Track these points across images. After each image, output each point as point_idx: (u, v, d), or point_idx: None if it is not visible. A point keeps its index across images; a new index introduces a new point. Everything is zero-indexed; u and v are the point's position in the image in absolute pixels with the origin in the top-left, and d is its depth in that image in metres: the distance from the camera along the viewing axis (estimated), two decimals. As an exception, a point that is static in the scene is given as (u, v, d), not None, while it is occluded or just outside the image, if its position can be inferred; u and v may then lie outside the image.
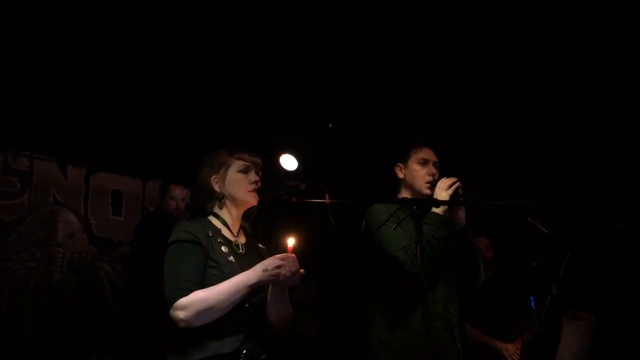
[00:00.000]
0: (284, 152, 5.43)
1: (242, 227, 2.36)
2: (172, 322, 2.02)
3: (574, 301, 2.89)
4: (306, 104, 4.88)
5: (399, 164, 2.80)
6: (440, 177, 2.58)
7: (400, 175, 2.80)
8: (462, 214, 2.58)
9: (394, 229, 2.40)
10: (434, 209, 2.52)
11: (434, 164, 2.74)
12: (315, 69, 4.48)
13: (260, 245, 2.36)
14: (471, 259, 2.62)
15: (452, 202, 2.41)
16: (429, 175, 2.69)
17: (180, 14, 3.94)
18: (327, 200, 2.09)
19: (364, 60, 4.41)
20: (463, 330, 2.58)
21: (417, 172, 2.71)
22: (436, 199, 2.42)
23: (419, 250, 2.03)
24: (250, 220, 2.39)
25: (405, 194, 2.76)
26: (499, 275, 4.08)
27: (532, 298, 2.73)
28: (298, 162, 5.47)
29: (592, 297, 3.47)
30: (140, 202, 5.29)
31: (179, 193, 4.20)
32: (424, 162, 2.72)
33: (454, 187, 2.48)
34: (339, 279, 5.13)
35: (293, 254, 2.07)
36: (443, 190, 2.48)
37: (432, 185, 2.61)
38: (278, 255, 2.07)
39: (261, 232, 5.46)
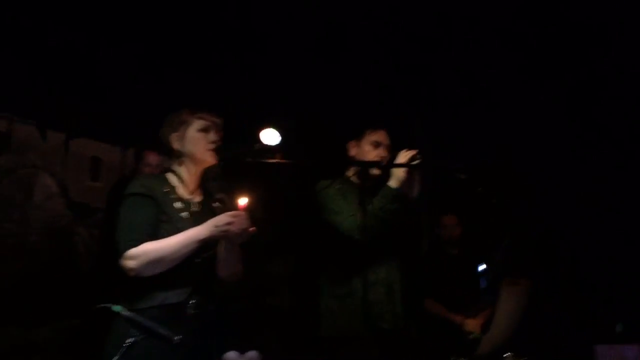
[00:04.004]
0: (267, 126, 5.46)
1: (208, 189, 2.41)
2: (123, 272, 2.08)
3: (518, 269, 2.99)
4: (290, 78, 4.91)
5: (352, 141, 2.87)
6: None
7: (352, 152, 2.86)
8: (415, 188, 2.66)
9: (338, 199, 2.50)
10: (390, 183, 2.60)
11: (386, 147, 2.81)
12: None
13: (216, 204, 2.41)
14: (415, 230, 2.72)
15: (393, 165, 2.48)
16: (379, 157, 2.76)
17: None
18: (277, 160, 2.15)
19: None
20: (405, 296, 2.67)
21: (368, 153, 2.78)
22: (378, 162, 2.51)
23: (360, 211, 2.09)
24: (212, 179, 2.43)
25: (353, 171, 2.82)
26: (465, 253, 4.15)
27: (479, 266, 2.83)
28: (281, 136, 5.50)
29: (533, 265, 3.59)
30: (120, 169, 5.32)
31: (153, 159, 4.21)
32: (377, 145, 2.80)
33: (414, 160, 2.56)
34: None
35: (244, 212, 2.13)
36: (402, 162, 2.56)
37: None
38: (229, 213, 2.13)
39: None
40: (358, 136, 2.86)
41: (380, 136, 2.83)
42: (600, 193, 4.35)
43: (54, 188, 4.91)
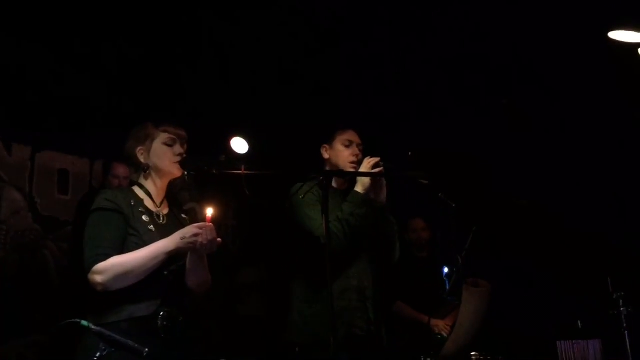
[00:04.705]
0: (235, 135, 5.48)
1: (178, 200, 2.44)
2: (91, 287, 2.10)
3: (478, 271, 3.07)
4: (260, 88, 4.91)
5: (324, 145, 2.91)
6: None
7: (326, 155, 2.91)
8: (383, 193, 2.72)
9: (313, 204, 2.53)
10: (356, 188, 2.66)
11: (358, 146, 2.85)
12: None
13: (183, 216, 2.44)
14: (388, 236, 2.77)
15: (356, 173, 2.54)
16: (353, 155, 2.81)
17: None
18: (242, 172, 2.19)
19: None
20: (377, 302, 2.72)
21: (341, 152, 2.83)
22: (344, 171, 2.56)
23: (324, 220, 2.14)
24: (176, 190, 2.47)
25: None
26: (433, 256, 4.23)
27: (444, 268, 2.90)
28: (249, 145, 5.52)
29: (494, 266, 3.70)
30: (88, 181, 5.28)
31: (122, 171, 4.22)
32: (349, 144, 2.84)
33: (377, 166, 2.62)
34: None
35: (211, 224, 2.16)
36: (365, 169, 2.62)
37: (358, 165, 2.74)
38: (196, 224, 2.16)
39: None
40: (329, 139, 2.91)
41: (350, 135, 2.88)
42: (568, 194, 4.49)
43: (21, 202, 4.85)
